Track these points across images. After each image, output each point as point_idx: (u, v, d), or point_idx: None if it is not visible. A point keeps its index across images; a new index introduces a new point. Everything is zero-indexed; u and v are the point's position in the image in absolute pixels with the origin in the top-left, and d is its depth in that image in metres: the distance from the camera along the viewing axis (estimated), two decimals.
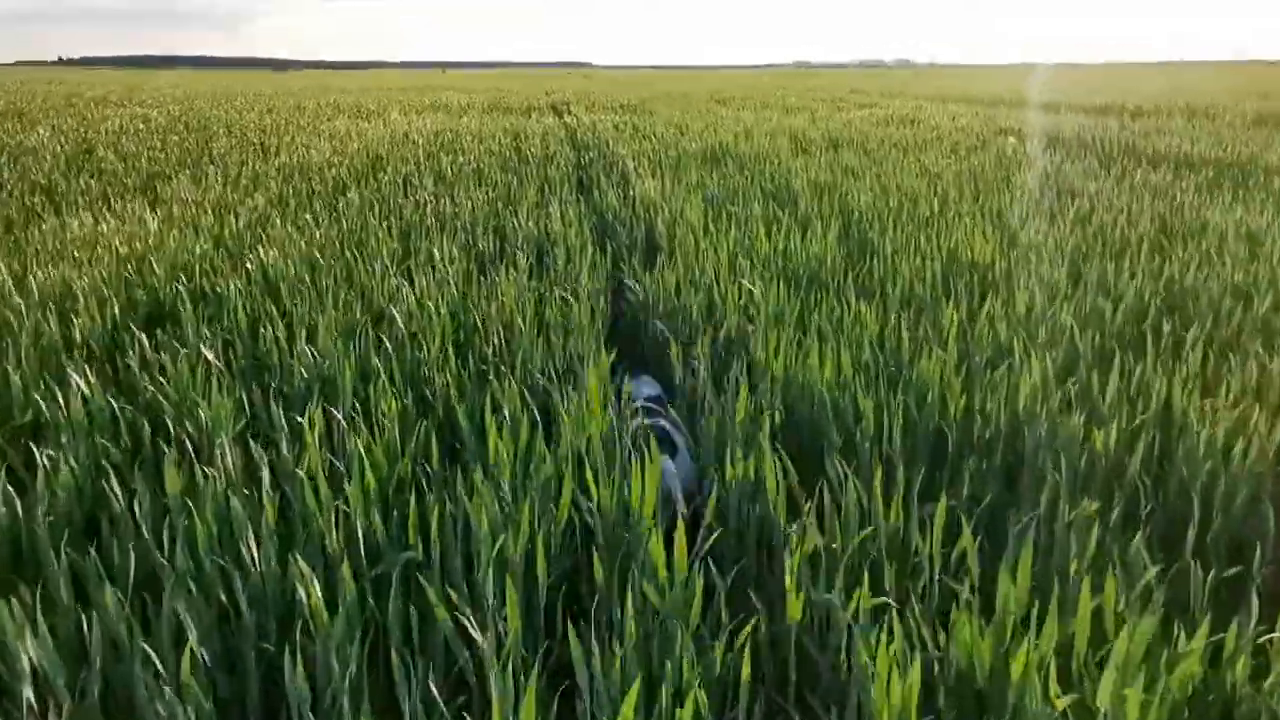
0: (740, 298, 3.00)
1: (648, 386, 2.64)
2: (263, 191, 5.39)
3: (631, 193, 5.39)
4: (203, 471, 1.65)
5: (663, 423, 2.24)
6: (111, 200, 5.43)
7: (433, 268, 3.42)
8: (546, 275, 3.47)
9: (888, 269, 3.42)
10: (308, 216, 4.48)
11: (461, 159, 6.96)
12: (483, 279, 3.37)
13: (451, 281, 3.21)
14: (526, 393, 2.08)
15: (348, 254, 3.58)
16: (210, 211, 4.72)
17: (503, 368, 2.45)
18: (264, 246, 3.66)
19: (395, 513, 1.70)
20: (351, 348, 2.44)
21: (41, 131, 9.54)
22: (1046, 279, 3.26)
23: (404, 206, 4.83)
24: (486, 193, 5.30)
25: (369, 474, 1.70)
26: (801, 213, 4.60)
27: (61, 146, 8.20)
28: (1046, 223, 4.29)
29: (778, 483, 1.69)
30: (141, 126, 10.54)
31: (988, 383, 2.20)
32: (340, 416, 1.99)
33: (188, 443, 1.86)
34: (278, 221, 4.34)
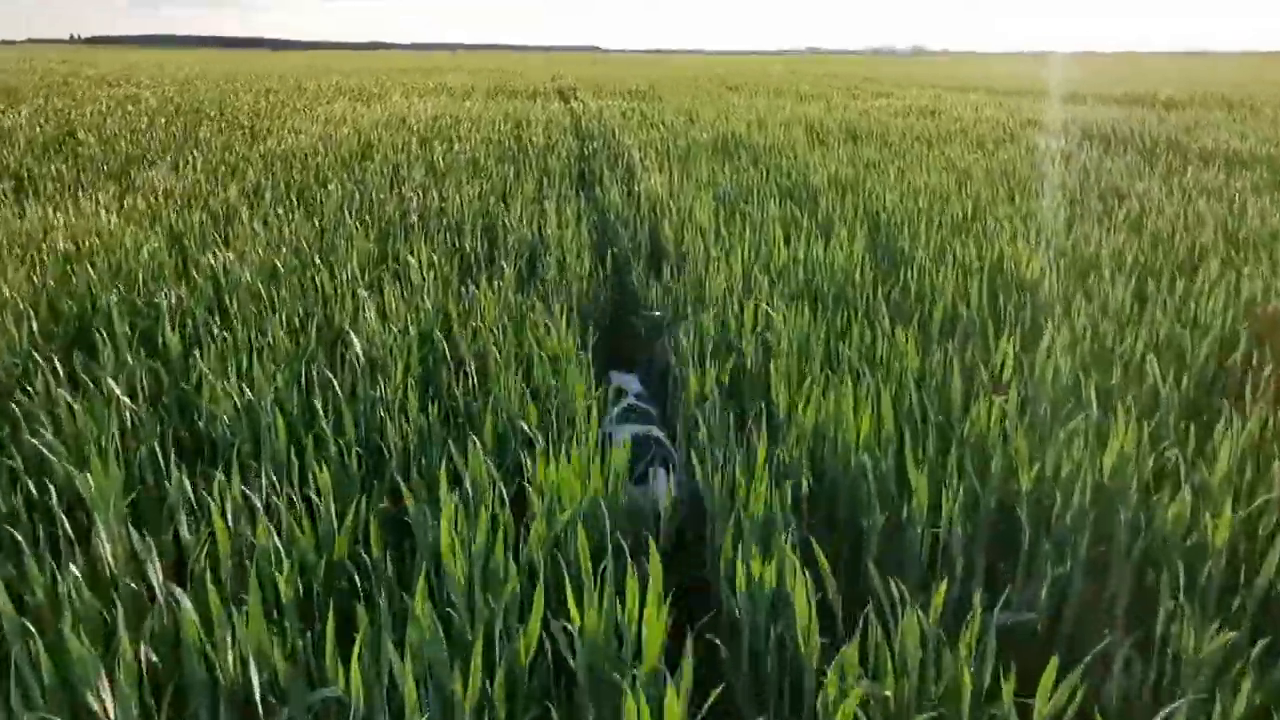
0: (757, 323, 2.59)
1: (630, 382, 2.56)
2: (238, 181, 4.99)
3: (637, 188, 4.98)
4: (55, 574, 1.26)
5: (655, 432, 2.16)
6: (83, 188, 5.05)
7: (408, 277, 3.03)
8: (537, 287, 3.07)
9: (924, 284, 3.01)
10: (279, 211, 4.08)
11: (457, 147, 6.55)
12: (464, 289, 2.97)
13: (427, 294, 2.81)
14: (497, 457, 1.68)
15: (315, 259, 3.19)
16: (178, 203, 4.33)
17: (475, 406, 2.07)
18: (219, 249, 3.26)
19: (316, 627, 1.31)
20: (296, 387, 2.04)
21: (23, 111, 9.15)
22: (1107, 299, 2.84)
23: (386, 202, 4.42)
24: (480, 186, 4.88)
25: (283, 578, 1.31)
26: (823, 214, 4.17)
27: (41, 128, 7.81)
28: (1095, 228, 3.86)
29: (808, 601, 1.29)
30: (130, 109, 10.13)
31: (1061, 442, 1.79)
32: (262, 489, 1.59)
33: (62, 524, 1.47)
34: (245, 217, 3.94)
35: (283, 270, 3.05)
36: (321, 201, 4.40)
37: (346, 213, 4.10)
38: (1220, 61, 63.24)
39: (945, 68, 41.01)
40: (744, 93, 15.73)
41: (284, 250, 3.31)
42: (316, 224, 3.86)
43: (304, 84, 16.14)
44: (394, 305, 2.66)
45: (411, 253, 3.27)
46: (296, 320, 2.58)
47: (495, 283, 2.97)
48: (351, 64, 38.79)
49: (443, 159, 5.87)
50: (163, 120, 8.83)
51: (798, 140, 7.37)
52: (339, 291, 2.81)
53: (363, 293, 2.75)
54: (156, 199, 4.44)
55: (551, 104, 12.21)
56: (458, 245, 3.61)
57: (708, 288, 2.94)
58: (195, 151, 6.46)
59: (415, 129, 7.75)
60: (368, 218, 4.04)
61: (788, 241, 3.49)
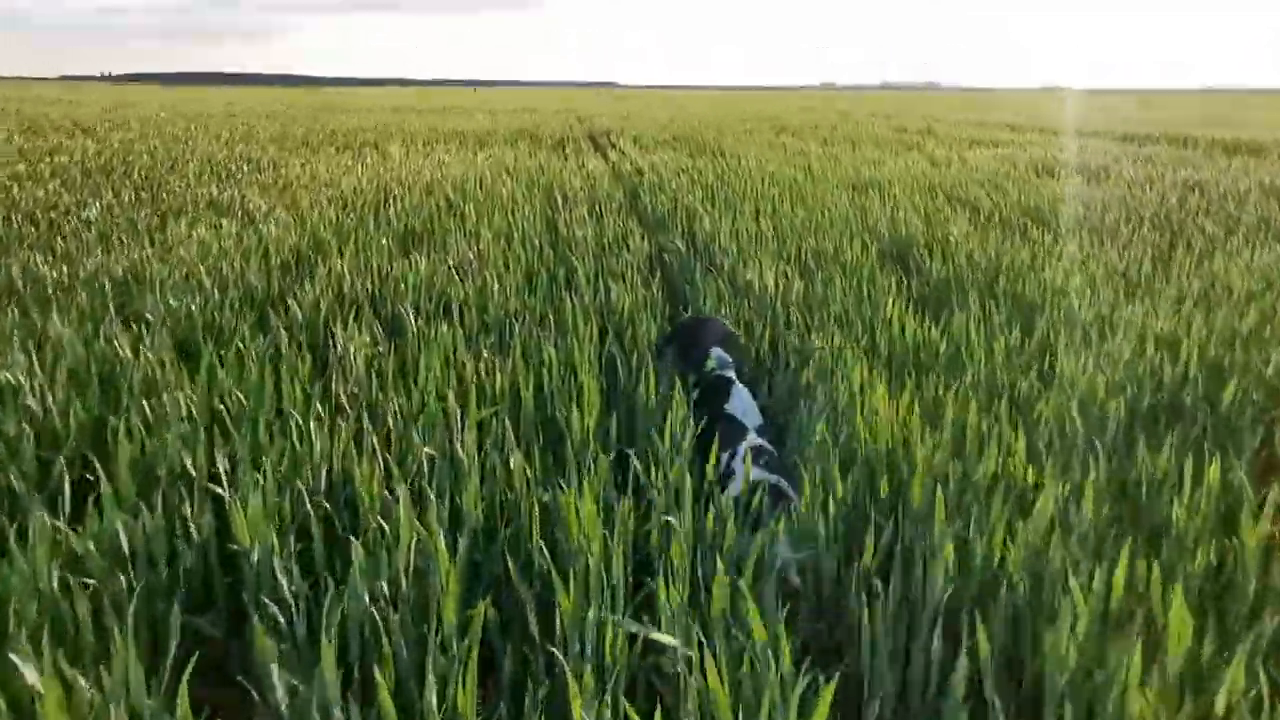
0: None
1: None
2: None
3: (801, 374, 2.52)
4: None
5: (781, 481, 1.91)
6: None
7: None
8: None
9: None
10: None
11: (457, 254, 4.11)
12: None
13: None
14: None
15: None
16: None
17: None
18: None
19: None
20: None
21: None
22: None
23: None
24: (485, 348, 2.48)
25: None
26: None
27: None
28: None
29: None
30: (42, 167, 7.84)
31: None
32: None
33: None
34: None
35: None
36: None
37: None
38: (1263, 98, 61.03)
39: (983, 105, 38.72)
40: (809, 138, 13.37)
41: None
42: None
43: (291, 129, 13.91)
44: None
45: None
46: None
47: None
48: (366, 101, 37.01)
49: (423, 290, 3.39)
50: (54, 186, 6.51)
51: (968, 233, 4.90)
52: None
53: None
54: None
55: (588, 158, 9.84)
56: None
57: None
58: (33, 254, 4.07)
59: (400, 215, 5.33)
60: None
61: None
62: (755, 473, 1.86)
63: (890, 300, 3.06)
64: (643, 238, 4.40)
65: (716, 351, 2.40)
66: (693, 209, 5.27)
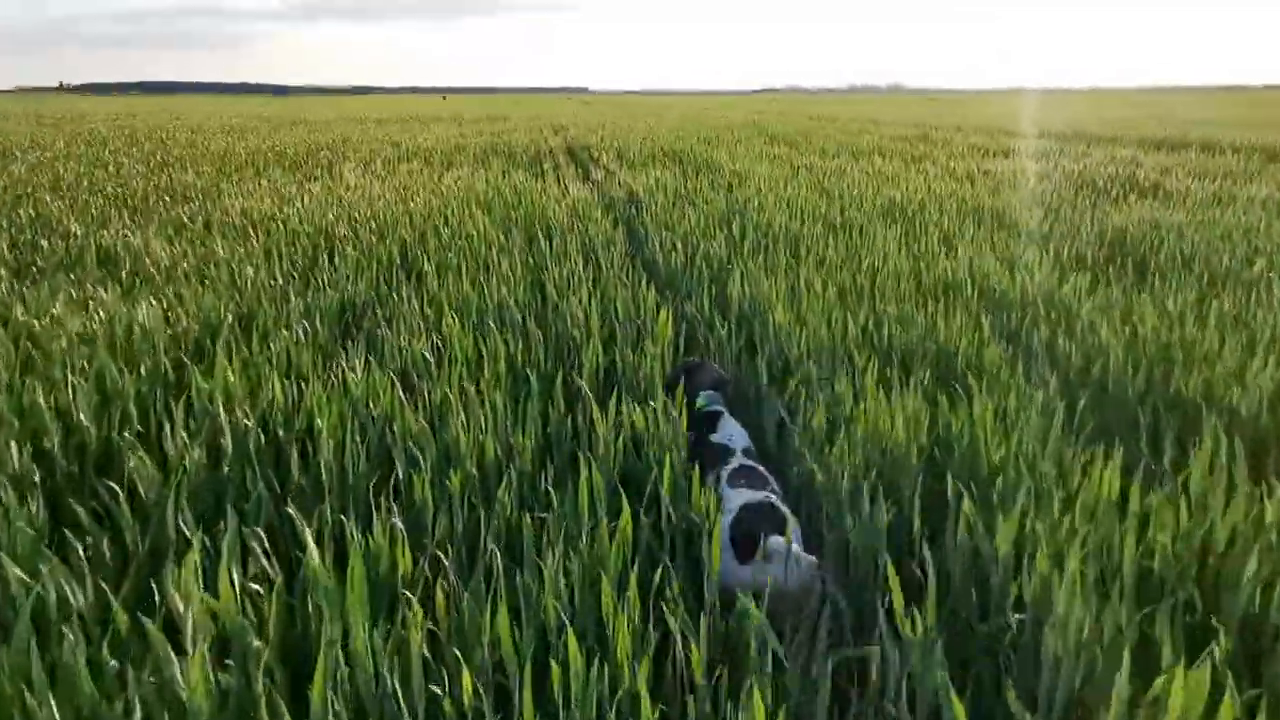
0: None
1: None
2: None
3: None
4: None
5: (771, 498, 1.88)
6: None
7: None
8: None
9: None
10: None
11: (407, 344, 2.94)
12: None
13: None
14: None
15: None
16: None
17: None
18: None
19: None
20: None
21: None
22: None
23: None
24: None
25: None
26: None
27: None
28: None
29: None
30: None
31: None
32: None
33: None
34: None
35: None
36: None
37: None
38: (1217, 96, 61.34)
39: (954, 108, 38.12)
40: (806, 150, 12.33)
41: None
42: None
43: (235, 147, 12.59)
44: None
45: None
46: None
47: None
48: (329, 111, 35.51)
49: (331, 446, 2.19)
50: None
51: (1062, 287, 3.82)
52: None
53: None
54: None
55: (570, 179, 8.69)
56: None
57: None
58: None
59: (336, 281, 4.14)
60: None
61: None
62: (747, 494, 1.87)
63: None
64: (660, 307, 3.27)
65: (706, 394, 2.49)
66: (716, 258, 4.15)
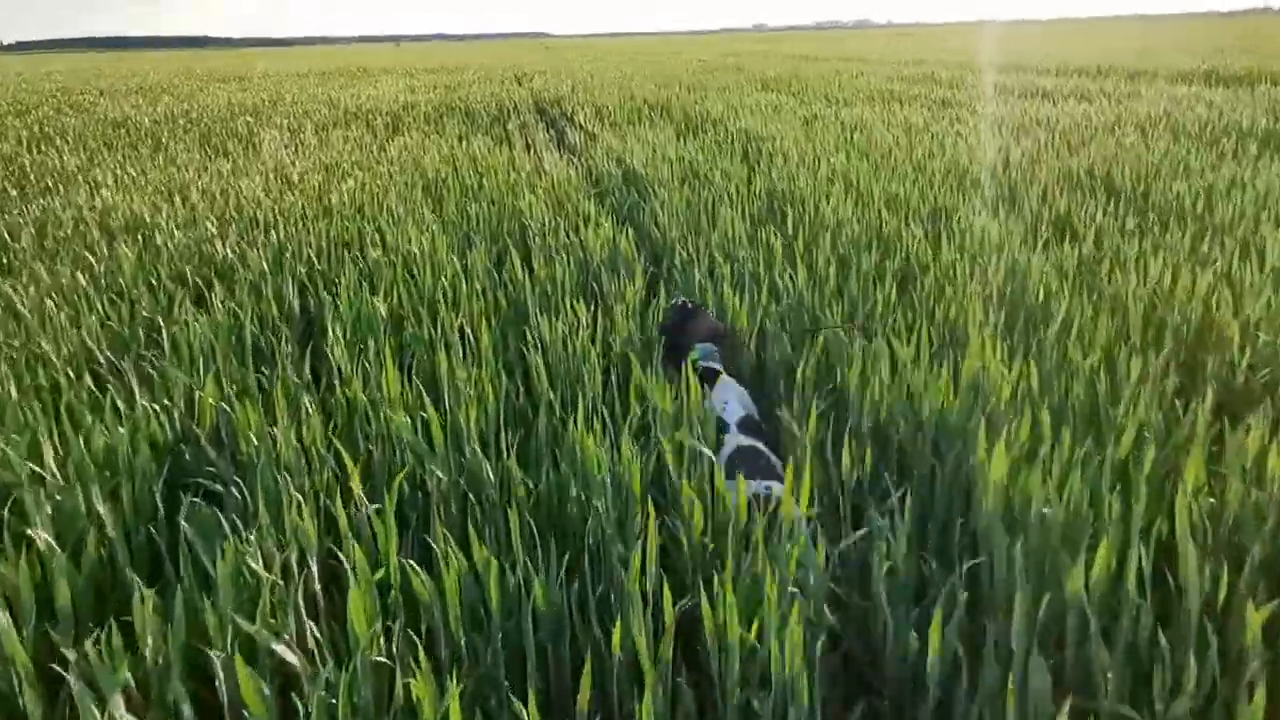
0: None
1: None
2: None
3: None
4: None
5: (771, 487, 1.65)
6: None
7: None
8: None
9: None
10: None
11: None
12: None
13: None
14: None
15: None
16: None
17: None
18: None
19: None
20: None
21: None
22: None
23: None
24: None
25: None
26: None
27: None
28: None
29: None
30: None
31: None
32: None
33: None
34: None
35: None
36: None
37: None
38: (1201, 23, 59.65)
39: (928, 42, 36.15)
40: (809, 97, 10.72)
41: None
42: None
43: (143, 111, 10.67)
44: None
45: None
46: None
47: None
48: (270, 63, 32.85)
49: None
50: None
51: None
52: None
53: None
54: None
55: (542, 145, 7.07)
56: None
57: None
58: None
59: (190, 356, 2.60)
60: None
61: None
62: (751, 486, 1.60)
63: None
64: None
65: (702, 346, 2.23)
66: (805, 309, 2.64)
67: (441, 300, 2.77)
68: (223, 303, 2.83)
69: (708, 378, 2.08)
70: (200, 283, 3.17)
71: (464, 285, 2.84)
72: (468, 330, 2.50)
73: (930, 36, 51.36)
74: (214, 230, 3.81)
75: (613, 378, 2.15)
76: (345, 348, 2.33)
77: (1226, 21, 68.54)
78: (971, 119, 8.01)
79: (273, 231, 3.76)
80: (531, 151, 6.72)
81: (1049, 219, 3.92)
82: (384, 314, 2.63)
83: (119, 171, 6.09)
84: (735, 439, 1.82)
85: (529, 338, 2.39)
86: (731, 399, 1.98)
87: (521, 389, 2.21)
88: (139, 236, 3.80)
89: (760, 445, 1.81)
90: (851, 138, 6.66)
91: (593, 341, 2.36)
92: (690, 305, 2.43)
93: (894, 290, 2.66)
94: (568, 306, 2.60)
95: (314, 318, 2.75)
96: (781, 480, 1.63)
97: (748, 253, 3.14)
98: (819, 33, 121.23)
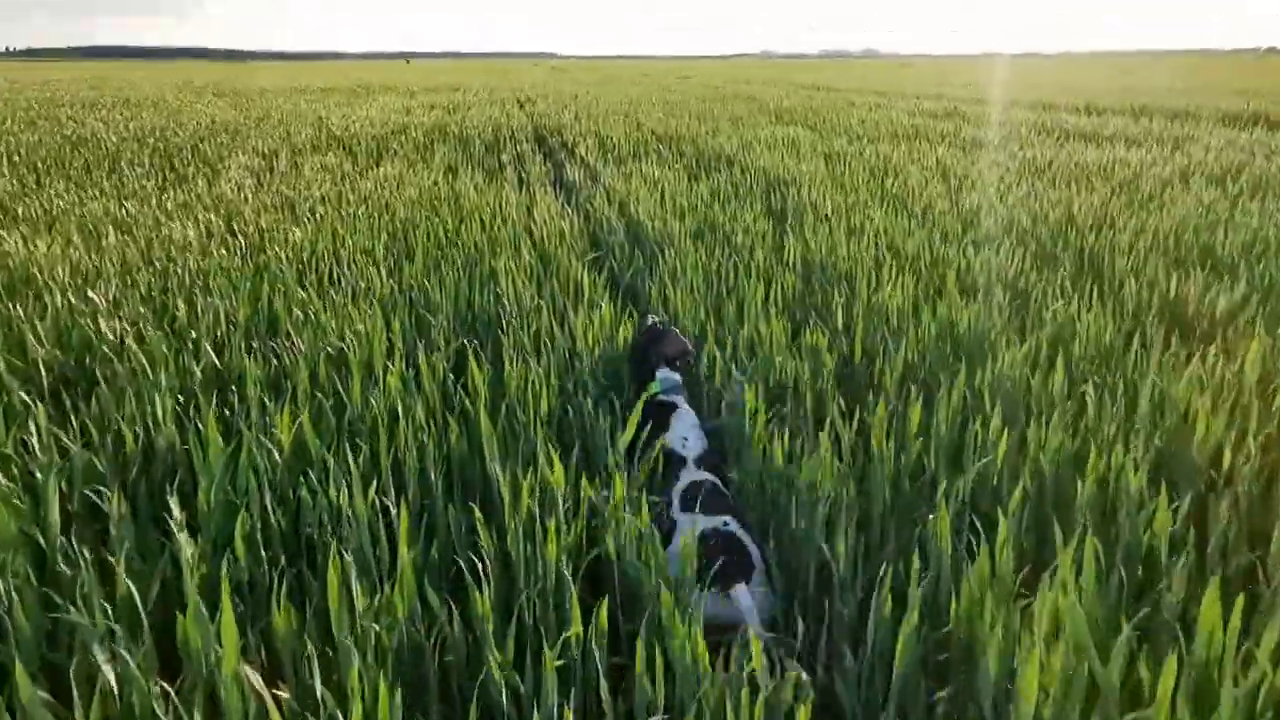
0: None
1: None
2: None
3: None
4: None
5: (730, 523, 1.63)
6: None
7: None
8: None
9: None
10: None
11: None
12: None
13: None
14: None
15: None
16: None
17: None
18: None
19: None
20: None
21: None
22: None
23: None
24: None
25: None
26: None
27: None
28: None
29: None
30: None
31: None
32: None
33: None
34: None
35: None
36: None
37: None
38: (1196, 61, 59.06)
39: (942, 73, 35.53)
40: (826, 132, 9.98)
41: None
42: None
43: (111, 129, 9.90)
44: None
45: None
46: None
47: None
48: (270, 79, 32.26)
49: None
50: None
51: None
52: None
53: None
54: None
55: (536, 179, 6.30)
56: None
57: None
58: None
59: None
60: None
61: None
62: (702, 521, 1.59)
63: None
64: None
65: (663, 373, 2.18)
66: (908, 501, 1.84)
67: (363, 438, 1.97)
68: (74, 419, 2.03)
69: (663, 411, 2.02)
70: (57, 381, 2.37)
71: (402, 404, 2.04)
72: (390, 506, 1.70)
73: (941, 69, 50.89)
74: (110, 298, 3.02)
75: (604, 610, 1.34)
76: (197, 548, 1.52)
77: (1234, 60, 68.26)
78: (1013, 163, 7.27)
79: (182, 303, 2.97)
80: (524, 189, 5.95)
81: (1154, 305, 3.13)
82: (277, 460, 1.83)
83: (50, 203, 5.32)
84: (691, 474, 1.81)
85: (478, 526, 1.58)
86: (691, 435, 1.96)
87: (460, 629, 1.40)
88: (12, 303, 3.01)
89: (718, 482, 1.80)
90: (885, 185, 5.90)
91: (576, 551, 1.56)
92: (660, 325, 2.43)
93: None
94: (540, 455, 1.80)
95: (178, 461, 1.95)
96: (737, 514, 1.65)
97: (789, 365, 2.34)
98: (827, 61, 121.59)
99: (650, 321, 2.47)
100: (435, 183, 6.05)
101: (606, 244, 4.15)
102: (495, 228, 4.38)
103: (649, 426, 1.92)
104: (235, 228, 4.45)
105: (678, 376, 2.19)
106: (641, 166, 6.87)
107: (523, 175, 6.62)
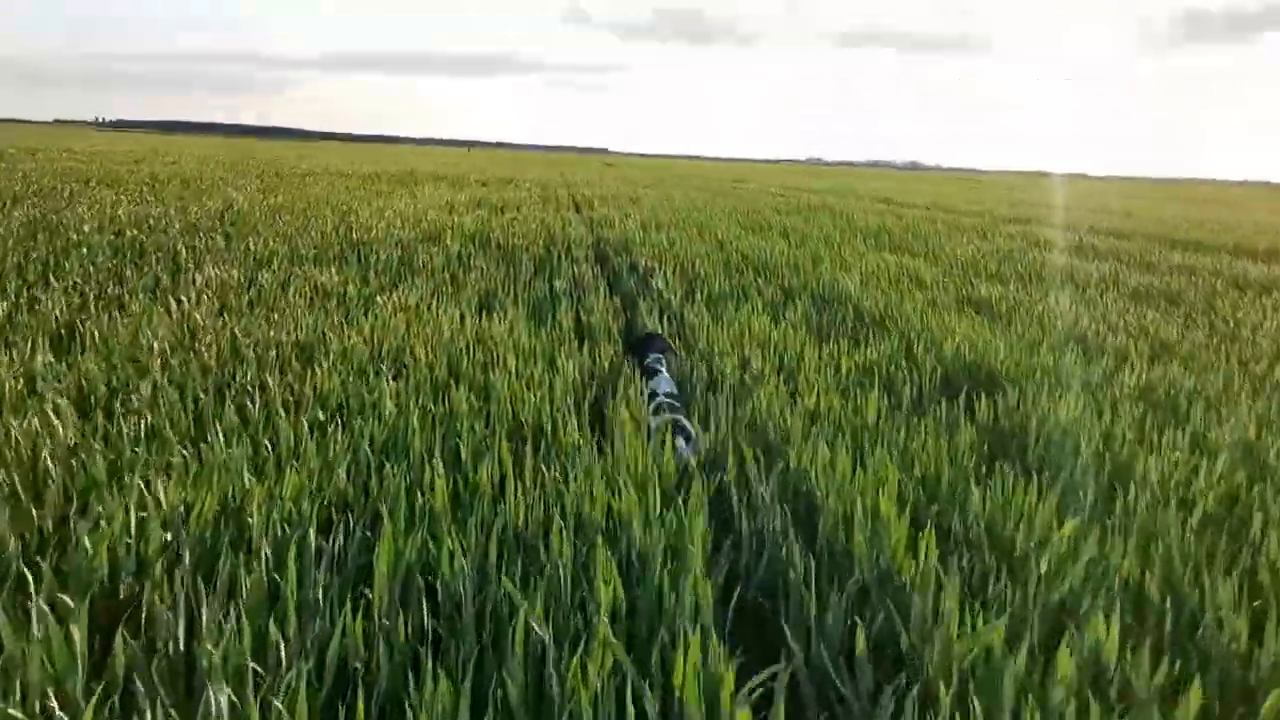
0: None
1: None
2: None
3: None
4: None
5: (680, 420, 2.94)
6: None
7: None
8: None
9: None
10: None
11: None
12: None
13: None
14: None
15: None
16: None
17: None
18: None
19: None
20: None
21: None
22: None
23: None
24: None
25: None
26: None
27: None
28: None
29: None
30: None
31: None
32: None
33: None
34: None
35: None
36: None
37: None
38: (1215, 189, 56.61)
39: (994, 190, 33.90)
40: (927, 258, 8.11)
41: None
42: None
43: (117, 210, 8.39)
44: None
45: None
46: None
47: None
48: (333, 158, 31.72)
49: None
50: None
51: None
52: None
53: None
54: None
55: (604, 323, 4.45)
56: None
57: None
58: None
59: None
60: None
61: None
62: (666, 416, 2.96)
63: None
64: None
65: (654, 355, 3.67)
66: None
67: None
68: None
69: (652, 372, 3.48)
70: None
71: None
72: None
73: (996, 185, 49.55)
74: None
75: None
76: None
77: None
78: (1208, 323, 5.34)
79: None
80: (585, 344, 4.10)
81: None
82: None
83: None
84: (661, 399, 3.15)
85: None
86: (664, 384, 3.34)
87: None
88: None
89: (677, 404, 3.16)
90: (1117, 383, 3.95)
91: None
92: (652, 335, 4.10)
93: None
94: None
95: None
96: (685, 419, 3.02)
97: None
98: (873, 171, 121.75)
99: (646, 334, 4.25)
100: (454, 326, 4.25)
101: (732, 524, 2.21)
102: (541, 437, 2.50)
103: (646, 381, 3.41)
104: (107, 431, 2.62)
105: (661, 358, 3.67)
106: (741, 313, 5.04)
107: (583, 324, 4.79)
